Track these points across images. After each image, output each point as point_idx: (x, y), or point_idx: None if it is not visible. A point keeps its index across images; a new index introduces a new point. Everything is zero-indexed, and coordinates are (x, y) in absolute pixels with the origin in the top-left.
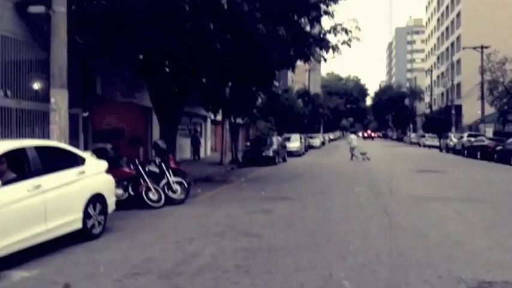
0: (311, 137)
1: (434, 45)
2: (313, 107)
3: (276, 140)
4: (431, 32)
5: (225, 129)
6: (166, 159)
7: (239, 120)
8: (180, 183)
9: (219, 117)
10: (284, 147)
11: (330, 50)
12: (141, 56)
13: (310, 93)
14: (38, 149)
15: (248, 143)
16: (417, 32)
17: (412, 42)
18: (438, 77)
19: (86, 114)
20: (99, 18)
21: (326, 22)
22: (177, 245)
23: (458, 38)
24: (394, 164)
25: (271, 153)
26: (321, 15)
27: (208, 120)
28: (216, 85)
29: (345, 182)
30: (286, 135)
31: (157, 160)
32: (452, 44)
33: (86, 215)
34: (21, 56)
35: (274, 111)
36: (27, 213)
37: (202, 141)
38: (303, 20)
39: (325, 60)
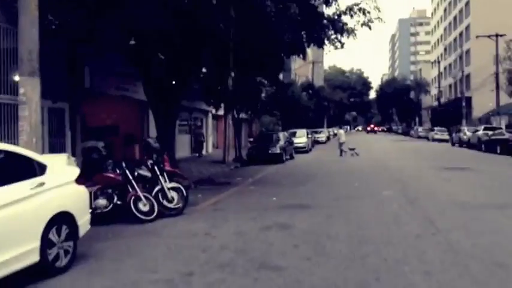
0: (316, 132)
1: (441, 35)
2: (318, 100)
3: (282, 135)
4: (438, 23)
5: (228, 124)
6: (160, 160)
7: (242, 115)
8: (177, 190)
9: (220, 112)
10: (291, 143)
11: (345, 34)
12: (132, 42)
13: (314, 86)
14: None
15: (251, 139)
16: (421, 24)
17: (415, 34)
18: (445, 68)
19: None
20: None
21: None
22: (169, 286)
23: (467, 28)
24: (411, 161)
25: (278, 150)
26: None
27: (210, 115)
28: (218, 75)
29: (367, 183)
30: (291, 130)
31: (149, 162)
32: (460, 34)
33: (46, 243)
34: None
35: (279, 105)
36: None
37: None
38: None
39: (342, 45)
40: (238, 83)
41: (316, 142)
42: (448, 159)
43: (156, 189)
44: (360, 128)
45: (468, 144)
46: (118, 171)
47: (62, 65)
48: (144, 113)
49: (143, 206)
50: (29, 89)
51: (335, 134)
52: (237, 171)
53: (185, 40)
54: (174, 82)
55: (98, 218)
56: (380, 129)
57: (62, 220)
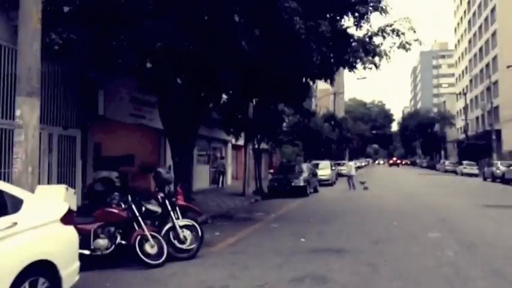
0: (339, 164)
1: (466, 67)
2: (340, 131)
3: (306, 167)
4: (462, 54)
5: (248, 154)
6: (172, 193)
7: (263, 145)
8: (190, 228)
9: (240, 142)
10: (315, 175)
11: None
12: (148, 65)
13: (336, 117)
14: None
15: (272, 171)
16: (443, 56)
17: (438, 67)
18: (472, 100)
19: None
20: (85, 11)
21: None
22: None
23: (494, 58)
24: (447, 197)
25: (301, 183)
26: (368, 12)
27: (229, 145)
28: (238, 101)
29: (405, 222)
30: (314, 161)
31: (160, 196)
32: (487, 65)
33: None
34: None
35: (302, 134)
36: None
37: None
38: (346, 17)
39: (376, 67)
40: (259, 111)
41: (339, 175)
42: (485, 195)
43: (167, 227)
44: (381, 161)
45: (502, 179)
46: (123, 205)
47: (75, 89)
48: (161, 142)
49: (150, 248)
50: (26, 111)
51: (359, 167)
52: (258, 205)
53: (204, 62)
54: (191, 108)
55: (96, 261)
56: (403, 163)
57: (39, 271)
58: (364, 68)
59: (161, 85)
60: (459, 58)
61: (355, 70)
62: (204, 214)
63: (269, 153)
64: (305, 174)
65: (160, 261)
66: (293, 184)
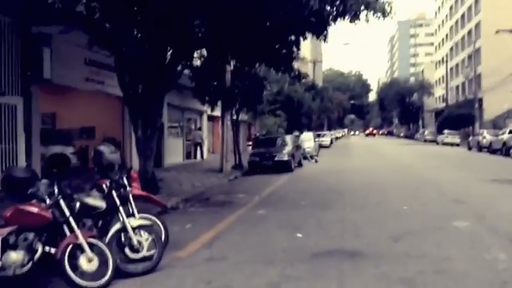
0: (319, 135)
1: (447, 35)
2: (321, 101)
3: (290, 139)
4: (442, 22)
5: (226, 126)
6: (122, 182)
7: (242, 116)
8: (149, 229)
9: (216, 113)
10: (299, 147)
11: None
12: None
13: (316, 86)
14: None
15: (250, 143)
16: (420, 25)
17: (415, 36)
18: (452, 69)
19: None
20: None
21: None
22: None
23: (477, 25)
24: (445, 170)
25: (285, 157)
26: None
27: (204, 116)
28: (213, 63)
29: (417, 205)
30: (295, 133)
31: (105, 184)
32: (469, 32)
33: None
34: None
35: (285, 104)
36: None
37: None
38: None
39: (384, 15)
40: (238, 77)
41: (320, 146)
42: (483, 168)
43: (114, 229)
44: (356, 132)
45: (489, 149)
46: (48, 200)
47: (14, 46)
48: (125, 112)
49: (87, 263)
50: None
51: (337, 138)
52: (238, 183)
53: (164, 7)
54: (155, 70)
55: (7, 285)
56: (380, 133)
57: None
58: (373, 15)
59: (115, 39)
60: (439, 26)
61: (356, 21)
62: (174, 197)
63: (248, 125)
64: (289, 148)
65: (103, 281)
66: (276, 158)
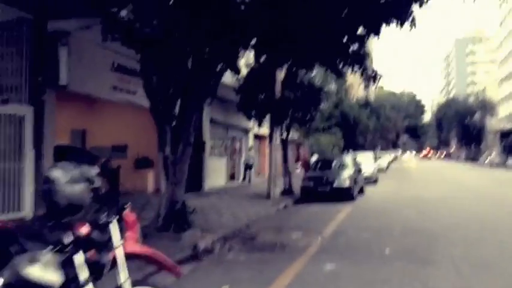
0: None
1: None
2: (378, 120)
3: (350, 161)
4: (508, 34)
5: (274, 145)
6: (99, 239)
7: (292, 134)
8: None
9: (263, 130)
10: (360, 171)
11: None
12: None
13: (371, 104)
14: None
15: (299, 165)
16: (479, 41)
17: (472, 53)
18: None
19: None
20: None
21: None
22: None
23: None
24: None
25: (347, 183)
26: None
27: (250, 134)
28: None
29: None
30: (352, 153)
31: (67, 239)
32: None
33: None
34: None
35: (341, 121)
36: None
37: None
38: None
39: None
40: (289, 87)
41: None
42: None
43: None
44: (408, 153)
45: None
46: None
47: (26, 47)
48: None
49: None
50: None
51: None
52: (290, 214)
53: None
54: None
55: None
56: (437, 156)
57: None
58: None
59: (141, 32)
60: (504, 38)
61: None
62: (209, 234)
63: (296, 145)
64: (349, 171)
65: None
66: (335, 185)
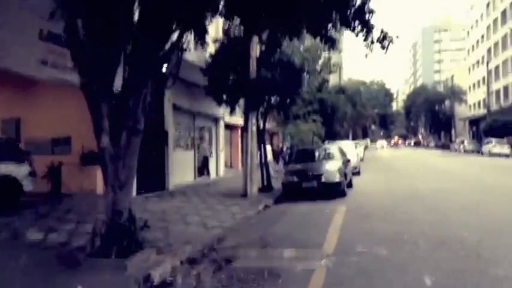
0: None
1: (482, 35)
2: (354, 108)
3: (338, 151)
4: (476, 22)
5: (250, 133)
6: None
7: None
8: None
9: (235, 120)
10: (348, 162)
11: None
12: None
13: (346, 91)
14: None
15: (282, 158)
16: (445, 30)
17: (439, 41)
18: (491, 72)
19: None
20: None
21: None
22: None
23: None
24: None
25: (337, 177)
26: None
27: (221, 123)
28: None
29: None
30: (328, 142)
31: None
32: None
33: None
34: None
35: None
36: None
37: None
38: None
39: None
40: (265, 65)
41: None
42: None
43: None
44: (383, 143)
45: None
46: None
47: None
48: None
49: None
50: None
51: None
52: (273, 217)
53: None
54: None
55: None
56: (407, 143)
57: None
58: None
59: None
60: (472, 27)
61: None
62: (168, 256)
63: (270, 134)
64: (338, 163)
65: None
66: (324, 180)
